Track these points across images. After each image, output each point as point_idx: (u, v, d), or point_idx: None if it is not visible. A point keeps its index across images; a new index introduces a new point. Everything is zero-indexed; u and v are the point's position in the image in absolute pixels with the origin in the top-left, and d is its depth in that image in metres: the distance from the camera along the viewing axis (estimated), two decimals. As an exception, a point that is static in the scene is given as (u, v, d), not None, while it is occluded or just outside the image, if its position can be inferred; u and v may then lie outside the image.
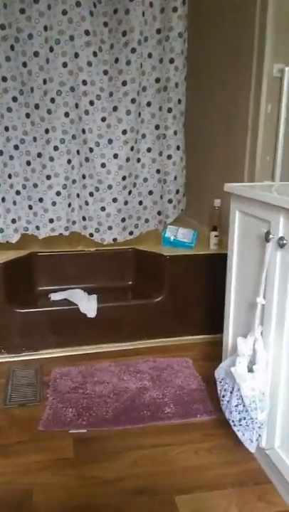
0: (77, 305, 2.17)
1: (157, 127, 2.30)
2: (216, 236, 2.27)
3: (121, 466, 1.47)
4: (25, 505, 1.32)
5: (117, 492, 1.37)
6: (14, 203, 2.27)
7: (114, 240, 2.38)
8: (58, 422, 1.67)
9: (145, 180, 2.36)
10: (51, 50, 2.10)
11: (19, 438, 1.60)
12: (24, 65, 2.10)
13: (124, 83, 2.17)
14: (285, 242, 1.16)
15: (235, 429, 1.31)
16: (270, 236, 1.21)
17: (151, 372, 1.99)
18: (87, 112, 2.19)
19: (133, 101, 2.20)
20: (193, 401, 1.78)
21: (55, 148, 2.22)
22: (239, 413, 1.28)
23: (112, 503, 1.33)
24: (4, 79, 2.11)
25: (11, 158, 2.21)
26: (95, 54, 2.13)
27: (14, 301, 2.13)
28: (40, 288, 2.37)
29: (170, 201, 2.39)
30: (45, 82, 2.13)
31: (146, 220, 2.43)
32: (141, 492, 1.37)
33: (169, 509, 1.30)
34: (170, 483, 1.40)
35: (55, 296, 2.25)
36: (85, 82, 2.15)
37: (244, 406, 1.26)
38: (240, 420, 1.28)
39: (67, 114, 2.20)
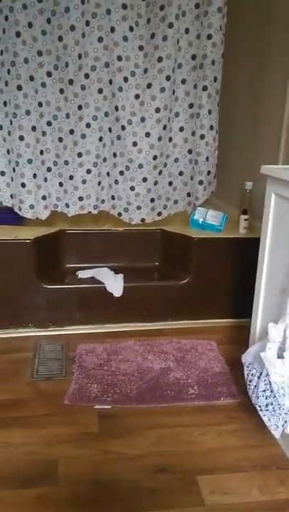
0: (103, 283, 2.18)
1: (191, 106, 2.25)
2: (245, 220, 2.23)
3: (144, 443, 1.49)
4: (51, 476, 1.36)
5: (139, 468, 1.39)
6: (45, 179, 2.28)
7: (143, 220, 2.36)
8: (83, 397, 1.70)
9: (176, 160, 2.33)
10: (87, 24, 2.06)
11: (45, 410, 1.64)
12: (60, 39, 2.07)
13: (159, 59, 2.12)
14: None
15: (261, 414, 1.31)
16: (308, 221, 1.18)
17: (175, 353, 2.00)
18: (120, 89, 2.15)
19: (168, 78, 2.15)
20: (217, 384, 1.78)
21: (88, 125, 2.20)
22: (266, 398, 1.27)
23: (134, 478, 1.36)
24: (40, 53, 2.08)
25: (44, 134, 2.21)
26: (131, 29, 2.08)
27: (43, 276, 2.16)
28: (68, 265, 2.39)
29: (200, 182, 2.35)
30: (80, 56, 2.10)
31: (176, 201, 2.41)
32: (162, 470, 1.39)
33: (191, 488, 1.32)
34: (192, 462, 1.42)
35: (82, 274, 2.27)
36: (120, 58, 2.11)
37: (272, 392, 1.25)
38: (267, 406, 1.28)
39: (100, 91, 2.17)
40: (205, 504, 1.27)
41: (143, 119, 2.20)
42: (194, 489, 1.31)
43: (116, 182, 2.32)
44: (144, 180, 2.28)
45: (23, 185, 2.22)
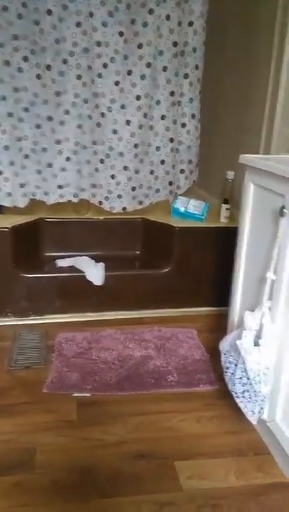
0: (84, 272, 2.17)
1: (172, 94, 2.23)
2: (227, 209, 2.24)
3: (122, 430, 1.50)
4: (28, 463, 1.36)
5: (118, 455, 1.40)
6: (23, 167, 2.24)
7: (124, 208, 2.35)
8: (63, 385, 1.70)
9: (158, 148, 2.31)
10: (65, 8, 2.02)
11: (24, 399, 1.64)
12: (36, 22, 2.02)
13: (140, 46, 2.10)
14: (299, 217, 1.14)
15: (237, 400, 1.33)
16: (285, 210, 1.19)
17: (156, 342, 2.01)
18: (100, 75, 2.12)
19: (148, 65, 2.13)
20: (197, 371, 1.80)
21: (66, 112, 2.17)
22: (243, 385, 1.29)
23: (112, 465, 1.37)
24: (16, 37, 2.03)
25: (20, 120, 2.16)
26: (110, 14, 2.04)
27: (21, 265, 2.14)
28: (47, 254, 2.36)
29: (182, 171, 2.35)
30: (57, 41, 2.05)
31: (157, 190, 2.40)
32: (141, 456, 1.40)
33: (168, 473, 1.34)
34: (170, 448, 1.43)
35: (61, 263, 2.26)
36: (99, 44, 2.08)
37: (248, 379, 1.27)
38: (243, 392, 1.30)
39: (79, 77, 2.13)
40: (183, 489, 1.28)
41: (123, 107, 2.18)
42: (172, 475, 1.33)
43: (96, 170, 2.30)
44: (125, 168, 2.26)
45: (0, 172, 2.18)
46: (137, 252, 2.44)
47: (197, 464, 1.38)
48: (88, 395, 1.67)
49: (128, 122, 2.19)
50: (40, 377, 1.75)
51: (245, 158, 1.43)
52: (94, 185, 2.34)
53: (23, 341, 2.00)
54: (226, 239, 2.13)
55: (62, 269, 2.21)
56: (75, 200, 2.35)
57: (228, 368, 1.37)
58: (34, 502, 1.23)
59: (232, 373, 1.34)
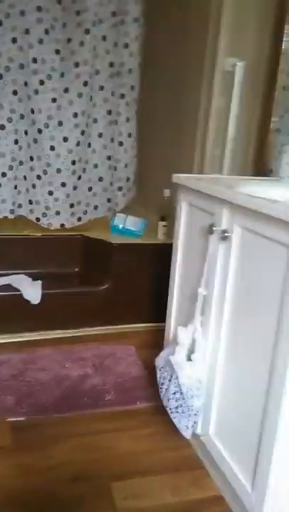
0: (20, 291, 2.11)
1: (109, 112, 2.27)
2: (164, 226, 2.29)
3: (57, 453, 1.46)
4: None
5: (52, 479, 1.36)
6: None
7: (62, 225, 2.33)
8: (-5, 409, 1.63)
9: (95, 166, 2.33)
10: (0, 24, 2.00)
11: None
12: (-29, 36, 1.99)
13: (76, 64, 2.12)
14: (227, 235, 1.18)
15: (172, 416, 1.34)
16: (214, 228, 1.23)
17: (94, 360, 1.98)
18: (36, 92, 2.11)
19: (85, 84, 2.15)
20: (134, 388, 1.80)
21: (2, 127, 2.14)
22: (176, 400, 1.30)
23: (47, 490, 1.32)
24: None
25: None
26: (46, 31, 2.05)
27: None
28: (-18, 272, 2.28)
29: (120, 189, 2.37)
30: (-8, 56, 2.03)
31: (96, 207, 2.40)
32: (76, 479, 1.36)
33: (104, 494, 1.31)
34: (106, 469, 1.41)
35: (-3, 281, 2.18)
36: (35, 60, 2.07)
37: (181, 393, 1.28)
38: (177, 408, 1.31)
39: (15, 92, 2.11)
40: (117, 510, 1.26)
41: (60, 123, 2.18)
42: (108, 495, 1.31)
43: (33, 186, 2.27)
44: (63, 185, 2.25)
45: None
46: (76, 269, 2.42)
47: (133, 483, 1.36)
48: (23, 418, 1.61)
49: (65, 139, 2.19)
50: (-29, 402, 1.67)
51: (178, 177, 1.47)
52: (31, 202, 2.30)
53: None
54: (163, 255, 2.15)
55: (-3, 288, 2.14)
56: (11, 216, 2.30)
57: (162, 384, 1.38)
58: None
59: (166, 389, 1.35)
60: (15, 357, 1.98)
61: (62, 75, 2.13)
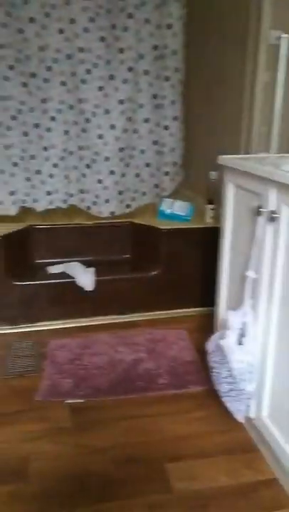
0: (74, 278, 2.18)
1: (155, 96, 2.25)
2: (212, 209, 2.25)
3: (114, 434, 1.51)
4: (22, 473, 1.36)
5: (110, 460, 1.41)
6: (12, 174, 2.26)
7: (112, 213, 2.37)
8: (56, 392, 1.71)
9: (142, 151, 2.33)
10: (47, 15, 2.04)
11: (17, 407, 1.65)
12: (20, 31, 2.04)
13: (121, 50, 2.12)
14: (275, 216, 1.15)
15: (224, 399, 1.34)
16: (262, 210, 1.20)
17: (146, 344, 2.01)
18: (84, 81, 2.14)
19: (130, 69, 2.15)
20: (187, 372, 1.81)
21: (52, 118, 2.19)
22: (228, 384, 1.30)
23: (103, 470, 1.37)
24: (0, 46, 2.05)
25: (8, 128, 2.18)
26: (91, 19, 2.06)
27: (13, 273, 2.15)
28: (37, 261, 2.38)
29: (167, 173, 2.36)
30: (41, 49, 2.07)
31: (144, 193, 2.41)
32: (132, 460, 1.41)
33: (159, 475, 1.34)
34: (161, 451, 1.44)
35: (52, 269, 2.27)
36: (81, 49, 2.10)
37: (233, 377, 1.28)
38: (229, 391, 1.31)
39: (64, 83, 2.15)
40: (173, 491, 1.29)
41: (107, 111, 2.20)
42: (163, 477, 1.34)
43: (83, 175, 2.31)
44: (112, 172, 2.28)
45: (-10, 181, 2.20)
46: (127, 256, 2.45)
47: (187, 464, 1.38)
48: (81, 401, 1.68)
49: (112, 127, 2.21)
50: (33, 385, 1.76)
51: (224, 159, 1.44)
52: (82, 191, 2.35)
53: (15, 350, 2.01)
54: (212, 239, 2.13)
55: (53, 276, 2.22)
56: (63, 206, 2.37)
57: (214, 368, 1.38)
58: (28, 510, 1.24)
59: (218, 373, 1.35)
60: (71, 342, 2.05)
61: (107, 62, 2.14)
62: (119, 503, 1.26)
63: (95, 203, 2.35)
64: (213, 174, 2.23)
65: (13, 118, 2.18)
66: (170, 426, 1.54)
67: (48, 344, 2.04)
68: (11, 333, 2.15)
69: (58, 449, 1.45)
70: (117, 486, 1.32)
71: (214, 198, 2.25)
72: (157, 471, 1.36)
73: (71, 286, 2.17)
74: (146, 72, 2.20)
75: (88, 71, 2.14)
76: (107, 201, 2.33)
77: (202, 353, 1.89)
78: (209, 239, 2.20)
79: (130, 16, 2.06)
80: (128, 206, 2.38)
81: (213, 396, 1.63)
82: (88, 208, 2.37)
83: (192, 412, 1.60)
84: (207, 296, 2.25)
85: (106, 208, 2.34)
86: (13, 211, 2.31)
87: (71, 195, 2.37)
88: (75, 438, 1.50)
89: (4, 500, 1.27)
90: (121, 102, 2.18)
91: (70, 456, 1.43)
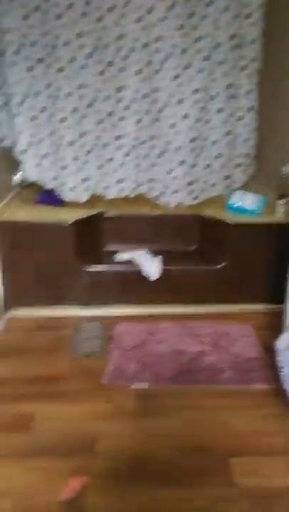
0: (141, 266, 2.22)
1: (230, 86, 2.20)
2: (283, 204, 2.19)
3: (179, 423, 1.55)
4: (89, 449, 1.45)
5: (175, 447, 1.46)
6: (85, 162, 2.31)
7: (180, 204, 2.37)
8: (121, 376, 1.78)
9: (214, 142, 2.30)
10: (126, 4, 2.04)
11: (84, 387, 1.73)
12: (99, 20, 2.07)
13: (198, 39, 2.08)
14: None
15: (292, 401, 1.33)
16: None
17: (211, 337, 2.03)
18: (159, 70, 2.13)
19: (206, 58, 2.11)
20: (252, 369, 1.81)
21: (126, 107, 2.21)
22: (298, 387, 1.29)
23: (167, 456, 1.42)
24: (80, 35, 2.08)
25: (84, 116, 2.22)
26: (169, 8, 2.04)
27: (83, 259, 2.23)
28: (106, 247, 2.44)
29: (238, 165, 2.32)
30: (119, 37, 2.09)
31: (213, 185, 2.39)
32: (196, 450, 1.44)
33: (223, 468, 1.37)
34: (225, 444, 1.46)
35: (120, 257, 2.32)
36: (158, 38, 2.08)
37: (304, 381, 1.26)
38: (299, 394, 1.30)
39: (139, 72, 2.16)
40: (236, 485, 1.31)
41: (181, 101, 2.18)
42: (227, 470, 1.36)
43: (153, 165, 2.33)
44: (182, 163, 2.27)
45: (65, 167, 2.27)
46: (193, 247, 2.45)
47: (252, 461, 1.40)
48: (146, 386, 1.73)
49: (185, 116, 2.20)
50: (100, 367, 1.84)
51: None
52: (151, 180, 2.37)
53: (84, 331, 2.10)
54: (282, 235, 2.09)
55: (121, 263, 2.28)
56: (132, 194, 2.40)
57: (282, 368, 1.37)
58: (93, 485, 1.32)
59: (287, 372, 1.34)
60: (137, 328, 2.11)
61: (183, 51, 2.11)
62: (182, 491, 1.30)
63: (163, 193, 2.36)
64: (285, 169, 2.16)
65: (89, 106, 2.23)
66: (234, 421, 1.56)
67: (114, 328, 2.11)
68: (79, 316, 2.24)
69: (123, 431, 1.52)
70: (180, 473, 1.36)
71: (286, 192, 2.18)
72: (221, 464, 1.39)
73: (138, 274, 2.21)
74: (222, 62, 2.15)
75: (164, 60, 2.13)
76: (175, 192, 2.33)
77: (268, 351, 1.88)
78: (279, 235, 2.16)
79: (209, 3, 2.02)
80: (196, 197, 2.37)
81: (278, 395, 1.62)
82: (156, 197, 2.38)
83: (257, 409, 1.61)
84: (275, 293, 2.22)
85: (174, 198, 2.35)
86: (84, 198, 2.37)
87: (140, 184, 2.40)
88: (139, 422, 1.56)
89: (74, 474, 1.35)
90: (195, 91, 2.16)
91: (135, 439, 1.49)
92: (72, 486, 1.08)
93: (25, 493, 1.29)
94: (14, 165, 2.41)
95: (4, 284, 2.20)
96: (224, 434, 1.51)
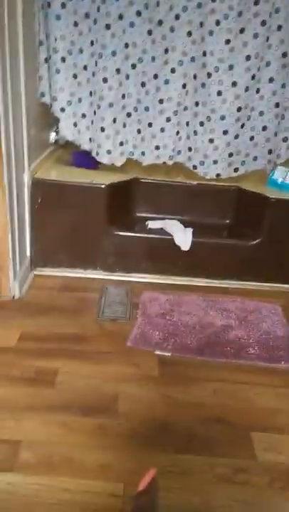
0: (172, 236, 2.18)
1: (285, 55, 2.09)
2: None
3: (201, 393, 1.54)
4: (111, 409, 1.44)
5: (195, 416, 1.44)
6: (124, 125, 2.26)
7: (218, 175, 2.30)
8: (145, 341, 1.76)
9: (261, 113, 2.20)
10: None
11: (108, 349, 1.73)
12: (152, -24, 1.97)
13: (256, 2, 1.97)
14: None
15: None
16: None
17: (237, 313, 1.99)
18: (211, 33, 2.04)
19: (263, 23, 2.00)
20: (279, 347, 1.77)
21: (172, 70, 2.13)
22: None
23: (189, 424, 1.41)
24: (131, -9, 2.00)
25: (127, 77, 2.16)
26: None
27: (114, 223, 2.20)
28: (138, 214, 2.40)
29: (285, 140, 2.22)
30: (171, -5, 1.99)
31: (255, 158, 2.30)
32: (218, 421, 1.43)
33: (244, 441, 1.36)
34: (247, 418, 1.44)
35: (152, 224, 2.28)
36: (213, -1, 1.98)
37: None
38: None
39: (190, 34, 2.06)
40: (257, 459, 1.30)
41: (231, 67, 2.09)
42: (248, 444, 1.35)
43: (195, 133, 2.25)
44: (225, 132, 2.20)
45: (103, 129, 2.22)
46: (227, 221, 2.39)
47: (274, 437, 1.38)
48: (169, 354, 1.71)
49: (234, 84, 2.11)
50: (124, 331, 1.83)
51: None
52: (190, 149, 2.30)
53: (109, 295, 2.08)
54: None
55: (152, 231, 2.25)
56: (170, 162, 2.34)
57: None
58: (114, 445, 1.32)
59: None
60: (162, 297, 2.08)
61: (239, 13, 2.01)
62: (202, 458, 1.29)
63: (202, 163, 2.29)
64: None
65: (133, 67, 2.15)
66: (259, 397, 1.54)
67: (140, 295, 2.09)
68: (106, 279, 2.23)
69: (146, 395, 1.51)
70: (201, 442, 1.35)
71: None
72: (243, 437, 1.37)
73: (168, 244, 2.18)
74: (279, 28, 2.04)
75: (218, 22, 2.02)
76: (215, 162, 2.26)
77: (298, 331, 1.84)
78: None
79: None
80: (236, 170, 2.30)
81: (305, 376, 1.59)
82: (194, 167, 2.32)
83: (282, 387, 1.58)
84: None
85: (213, 169, 2.28)
86: (120, 162, 2.33)
87: (179, 152, 2.33)
88: (162, 388, 1.55)
89: (95, 431, 1.36)
90: (248, 57, 2.06)
91: (158, 404, 1.48)
92: (145, 479, 1.05)
93: (46, 446, 1.30)
94: (52, 122, 2.37)
95: (32, 242, 2.19)
96: (247, 408, 1.48)
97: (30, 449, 1.28)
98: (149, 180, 2.37)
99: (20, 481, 1.19)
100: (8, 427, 1.35)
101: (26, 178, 2.04)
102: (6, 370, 1.56)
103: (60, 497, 1.15)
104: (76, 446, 1.30)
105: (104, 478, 1.21)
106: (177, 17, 2.03)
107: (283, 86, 2.14)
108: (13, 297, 1.99)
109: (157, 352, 1.72)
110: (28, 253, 2.18)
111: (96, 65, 2.11)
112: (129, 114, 2.25)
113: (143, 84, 2.18)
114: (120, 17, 2.02)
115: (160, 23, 2.05)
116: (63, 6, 2.00)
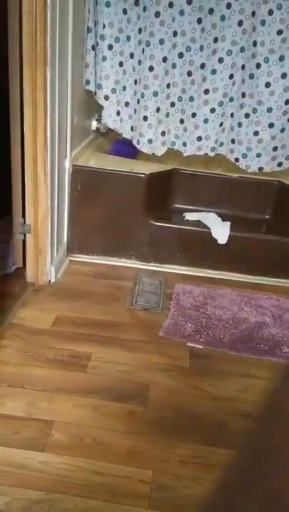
0: (209, 229, 2.16)
1: None
2: None
3: (232, 388, 1.53)
4: (142, 397, 1.45)
5: (225, 410, 1.44)
6: (167, 114, 2.24)
7: (260, 169, 2.26)
8: (178, 332, 1.76)
9: (310, 108, 2.14)
10: None
11: (141, 337, 1.74)
12: None
13: (313, -9, 1.90)
14: None
15: None
16: None
17: (273, 310, 1.96)
18: (263, 22, 1.99)
19: None
20: (314, 348, 1.74)
21: (220, 60, 2.09)
22: None
23: (218, 417, 1.41)
24: (182, -23, 1.97)
25: (174, 66, 2.14)
26: None
27: (151, 213, 2.19)
28: (176, 205, 2.39)
29: None
30: (224, -16, 1.95)
31: (300, 153, 2.25)
32: (247, 416, 1.41)
33: (274, 440, 1.34)
34: (278, 417, 1.42)
35: (189, 216, 2.27)
36: (267, -13, 1.93)
37: None
38: None
39: (240, 23, 2.02)
40: (287, 458, 1.28)
41: (282, 58, 2.03)
42: (278, 442, 1.33)
43: (239, 125, 2.21)
44: (271, 125, 2.15)
45: (145, 118, 2.21)
46: (266, 216, 2.35)
47: (305, 438, 1.35)
48: (201, 347, 1.71)
49: (284, 76, 2.05)
50: (157, 321, 1.83)
51: None
52: (233, 141, 2.26)
53: (143, 284, 2.09)
54: None
55: (189, 223, 2.23)
56: (211, 154, 2.31)
57: None
58: (143, 432, 1.33)
59: None
60: (196, 289, 2.07)
61: (294, 3, 1.95)
62: (226, 451, 1.29)
63: (244, 156, 2.25)
64: None
65: (180, 56, 2.13)
66: (291, 396, 1.51)
67: (173, 286, 2.08)
68: (140, 268, 2.23)
69: (177, 385, 1.52)
70: (229, 436, 1.34)
71: None
72: (274, 435, 1.35)
73: (205, 236, 2.16)
74: None
75: (270, 12, 1.97)
76: (258, 155, 2.22)
77: None
78: None
79: None
80: (280, 164, 2.25)
81: None
82: (236, 160, 2.28)
83: (317, 388, 1.55)
84: None
85: (255, 162, 2.24)
86: (161, 152, 2.32)
87: (221, 144, 2.30)
88: (193, 380, 1.55)
89: (125, 417, 1.37)
90: (299, 49, 2.00)
91: (188, 395, 1.48)
92: None
93: (78, 428, 1.32)
94: (95, 110, 2.38)
95: (69, 229, 2.22)
96: (279, 407, 1.46)
97: (62, 430, 1.31)
98: (189, 172, 2.35)
99: (51, 461, 1.21)
100: (42, 407, 1.38)
101: (67, 165, 2.05)
102: (42, 352, 1.60)
103: (91, 479, 1.18)
104: (106, 430, 1.32)
105: (133, 464, 1.23)
106: (228, 6, 1.99)
107: None
108: (49, 281, 2.02)
109: (189, 344, 1.72)
110: (65, 239, 2.21)
111: (143, 52, 2.10)
112: (172, 104, 2.23)
113: (189, 74, 2.16)
114: (170, 5, 2.00)
115: (211, 11, 2.01)
116: (114, -8, 2.00)
